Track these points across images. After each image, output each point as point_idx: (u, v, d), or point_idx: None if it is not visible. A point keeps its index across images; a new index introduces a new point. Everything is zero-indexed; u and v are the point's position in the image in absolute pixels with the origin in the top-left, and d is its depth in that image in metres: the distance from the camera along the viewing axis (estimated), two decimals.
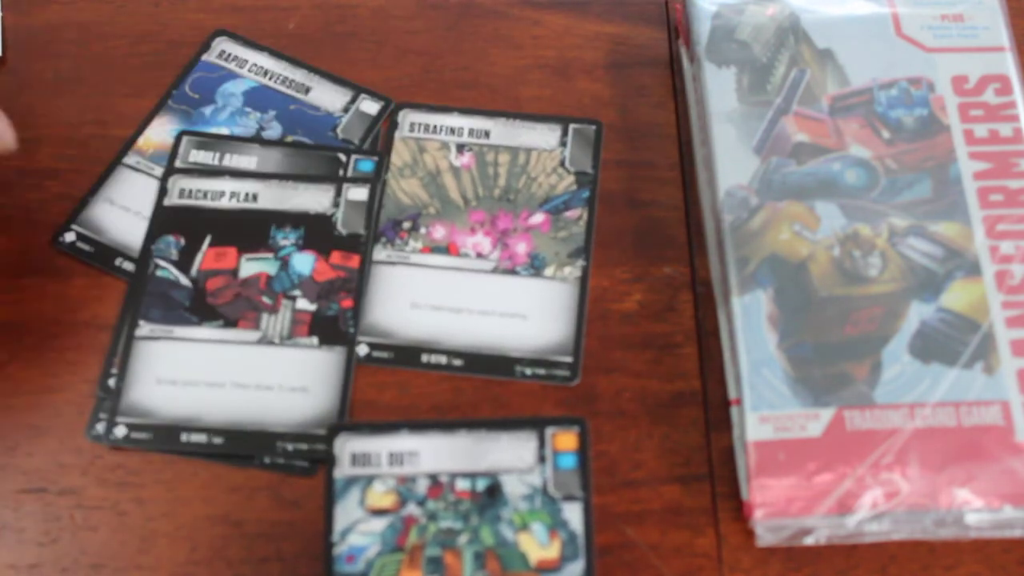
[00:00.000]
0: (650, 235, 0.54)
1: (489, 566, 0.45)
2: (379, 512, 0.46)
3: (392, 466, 0.47)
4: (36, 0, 0.59)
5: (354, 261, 0.52)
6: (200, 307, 0.51)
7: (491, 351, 0.51)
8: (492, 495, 0.46)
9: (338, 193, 0.53)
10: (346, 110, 0.56)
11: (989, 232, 0.50)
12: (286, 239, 0.52)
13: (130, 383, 0.50)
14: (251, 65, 0.57)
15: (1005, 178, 0.52)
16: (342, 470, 0.47)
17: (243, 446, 0.49)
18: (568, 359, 0.51)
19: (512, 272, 0.53)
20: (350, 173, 0.54)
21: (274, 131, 0.55)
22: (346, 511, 0.46)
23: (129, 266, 0.52)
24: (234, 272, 0.52)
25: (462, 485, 0.46)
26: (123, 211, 0.53)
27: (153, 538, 0.48)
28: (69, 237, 0.53)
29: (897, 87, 0.54)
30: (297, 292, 0.51)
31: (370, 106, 0.56)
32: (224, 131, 0.55)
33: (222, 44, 0.57)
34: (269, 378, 0.50)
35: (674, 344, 0.51)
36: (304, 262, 0.52)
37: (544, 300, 0.52)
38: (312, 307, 0.51)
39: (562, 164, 0.55)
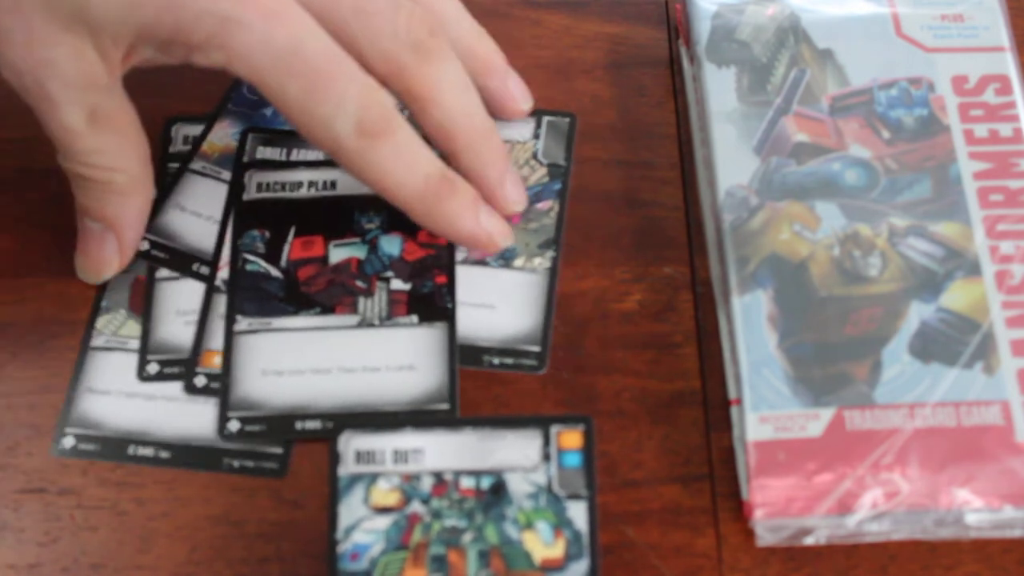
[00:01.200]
0: (650, 235, 0.54)
1: (493, 565, 0.45)
2: (383, 510, 0.46)
3: (396, 464, 0.47)
4: None
5: (442, 238, 0.52)
6: (295, 297, 0.51)
7: (461, 340, 0.51)
8: (497, 493, 0.46)
9: None
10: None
11: (989, 232, 0.51)
12: (371, 223, 0.52)
13: (236, 378, 0.49)
14: None
15: (1005, 178, 0.52)
16: (346, 467, 0.47)
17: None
18: (536, 348, 0.51)
19: (482, 263, 0.52)
20: None
21: None
22: (350, 509, 0.46)
23: (207, 271, 0.52)
24: (324, 259, 0.52)
25: (467, 483, 0.46)
26: (194, 216, 0.53)
27: (153, 538, 0.47)
28: (143, 246, 0.52)
29: (897, 87, 0.54)
30: (390, 273, 0.52)
31: None
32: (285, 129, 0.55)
33: None
34: (375, 360, 0.50)
35: (674, 344, 0.51)
36: (392, 243, 0.52)
37: (513, 291, 0.52)
38: (407, 286, 0.51)
39: (535, 156, 0.55)
